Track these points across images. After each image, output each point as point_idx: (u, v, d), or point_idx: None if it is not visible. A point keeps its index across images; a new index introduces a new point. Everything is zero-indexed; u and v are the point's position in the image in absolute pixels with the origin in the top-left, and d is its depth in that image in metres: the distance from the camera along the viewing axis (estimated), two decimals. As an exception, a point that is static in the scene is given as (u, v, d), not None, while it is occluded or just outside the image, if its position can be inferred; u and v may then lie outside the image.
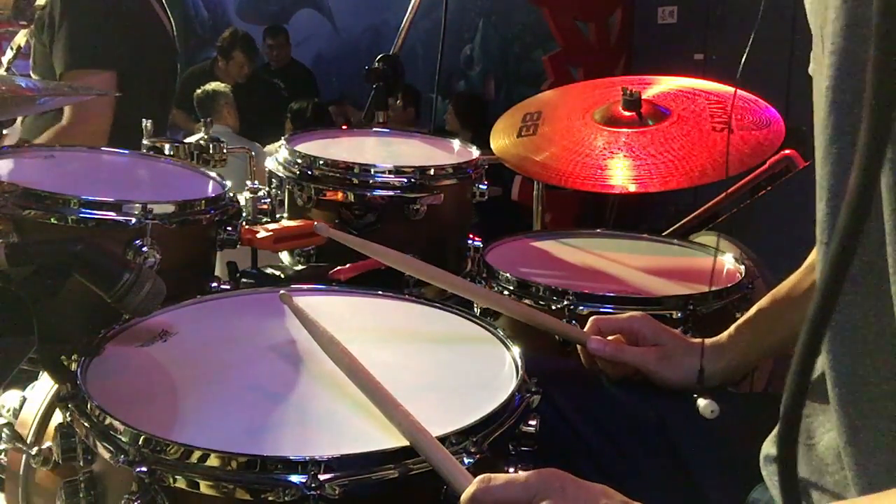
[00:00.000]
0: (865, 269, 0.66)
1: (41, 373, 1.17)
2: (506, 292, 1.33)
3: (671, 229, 2.15)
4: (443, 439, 0.73)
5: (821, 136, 0.69)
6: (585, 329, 1.10)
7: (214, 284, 1.25)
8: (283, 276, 1.35)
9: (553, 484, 0.63)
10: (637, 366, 1.05)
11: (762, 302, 1.07)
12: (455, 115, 5.10)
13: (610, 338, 1.07)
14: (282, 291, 1.00)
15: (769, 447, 0.85)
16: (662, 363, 1.04)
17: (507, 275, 1.34)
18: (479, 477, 0.65)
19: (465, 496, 0.65)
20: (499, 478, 0.65)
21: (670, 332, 1.07)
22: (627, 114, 1.63)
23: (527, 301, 1.30)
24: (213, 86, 4.35)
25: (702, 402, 0.96)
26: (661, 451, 0.99)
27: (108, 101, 2.19)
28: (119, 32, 2.25)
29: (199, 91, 4.31)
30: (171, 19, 2.51)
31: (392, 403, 0.77)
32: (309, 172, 1.41)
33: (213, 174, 1.42)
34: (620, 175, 1.53)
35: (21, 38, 2.34)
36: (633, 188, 1.51)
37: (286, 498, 0.69)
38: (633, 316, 1.09)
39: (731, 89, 1.67)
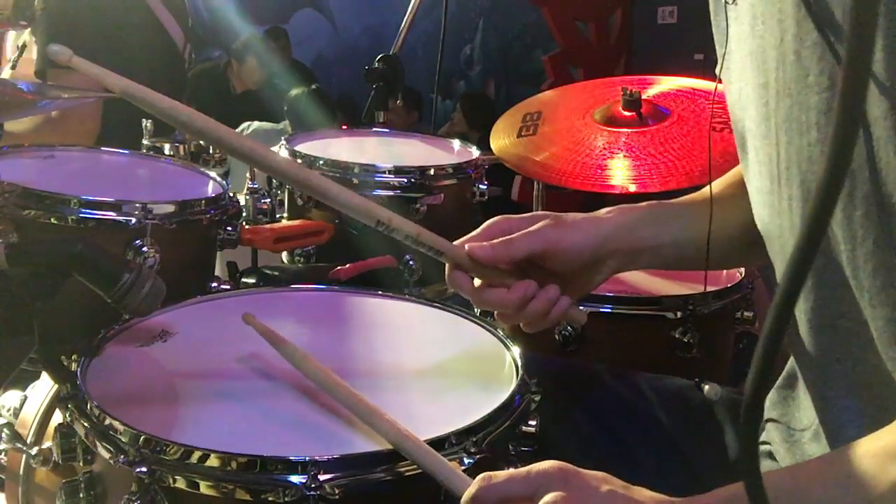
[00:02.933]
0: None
1: (41, 373, 1.17)
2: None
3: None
4: (443, 439, 0.74)
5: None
6: (449, 266, 0.91)
7: (214, 284, 1.25)
8: (283, 275, 1.35)
9: (555, 475, 0.63)
10: (535, 249, 0.89)
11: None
12: (464, 116, 5.08)
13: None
14: (245, 313, 0.94)
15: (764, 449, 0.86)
16: (562, 229, 0.91)
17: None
18: (480, 476, 0.65)
19: (466, 496, 0.65)
20: (500, 475, 0.65)
21: (543, 213, 0.94)
22: (627, 114, 1.63)
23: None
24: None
25: (706, 387, 0.99)
26: (663, 449, 0.99)
27: (92, 108, 2.15)
28: (99, 32, 2.20)
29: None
30: (181, 23, 2.48)
31: (377, 414, 0.76)
32: (309, 172, 1.41)
33: (213, 174, 1.42)
34: (620, 175, 1.53)
35: (26, 36, 2.33)
36: (633, 188, 1.51)
37: (286, 498, 0.68)
38: (494, 220, 0.93)
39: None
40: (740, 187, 0.89)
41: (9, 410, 1.14)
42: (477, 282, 0.90)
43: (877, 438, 0.61)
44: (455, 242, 0.90)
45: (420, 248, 0.87)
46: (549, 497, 0.61)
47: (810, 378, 0.77)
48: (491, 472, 0.65)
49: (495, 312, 0.94)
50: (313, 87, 4.57)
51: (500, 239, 0.89)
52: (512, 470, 0.66)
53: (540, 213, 0.93)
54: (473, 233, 0.92)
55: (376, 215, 0.84)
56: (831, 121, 0.60)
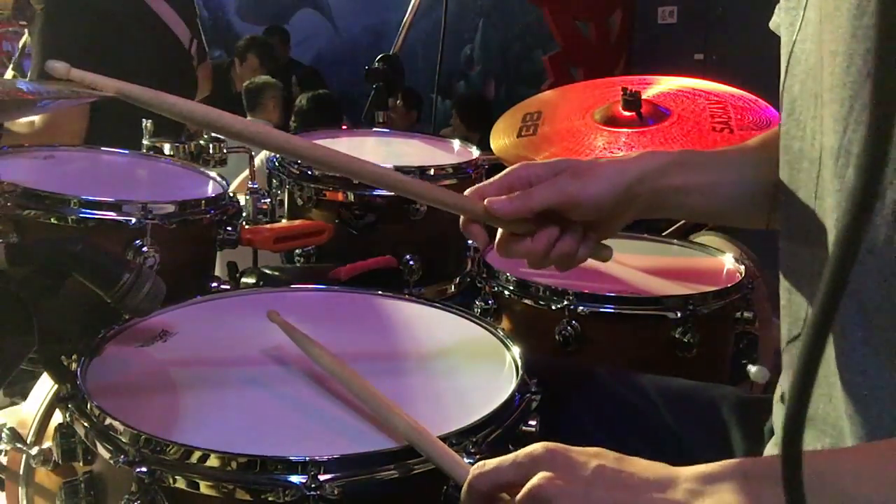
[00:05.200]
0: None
1: (41, 373, 1.17)
2: (506, 292, 1.33)
3: (671, 229, 2.15)
4: (443, 439, 0.73)
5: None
6: (463, 217, 0.92)
7: (214, 284, 1.25)
8: (282, 275, 1.35)
9: (542, 457, 0.63)
10: (555, 203, 0.88)
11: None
12: (460, 119, 5.07)
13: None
14: (269, 310, 0.97)
15: (771, 450, 0.85)
16: (582, 179, 0.89)
17: (507, 275, 1.34)
18: (475, 465, 0.66)
19: (464, 488, 0.65)
20: (490, 462, 0.65)
21: (564, 159, 0.93)
22: (627, 114, 1.63)
23: (527, 301, 1.30)
24: (262, 78, 4.37)
25: (752, 369, 0.92)
26: (668, 451, 0.99)
27: (80, 109, 2.13)
28: (98, 31, 2.19)
29: (247, 83, 4.35)
30: (187, 18, 2.48)
31: (388, 407, 0.77)
32: (309, 172, 1.41)
33: (213, 174, 1.42)
34: (620, 175, 1.53)
35: (27, 37, 2.33)
36: (633, 188, 1.50)
37: (286, 498, 0.69)
38: (513, 168, 0.92)
39: (730, 89, 1.68)
40: (775, 148, 0.84)
41: (9, 410, 1.14)
42: (499, 233, 0.92)
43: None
44: (469, 190, 0.91)
45: (434, 205, 0.90)
46: (535, 479, 0.61)
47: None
48: (485, 461, 0.66)
49: (526, 261, 0.94)
50: (320, 91, 4.57)
51: (518, 193, 0.88)
52: (502, 456, 0.65)
53: (562, 160, 0.92)
54: (491, 179, 0.91)
55: (396, 176, 0.88)
56: None
